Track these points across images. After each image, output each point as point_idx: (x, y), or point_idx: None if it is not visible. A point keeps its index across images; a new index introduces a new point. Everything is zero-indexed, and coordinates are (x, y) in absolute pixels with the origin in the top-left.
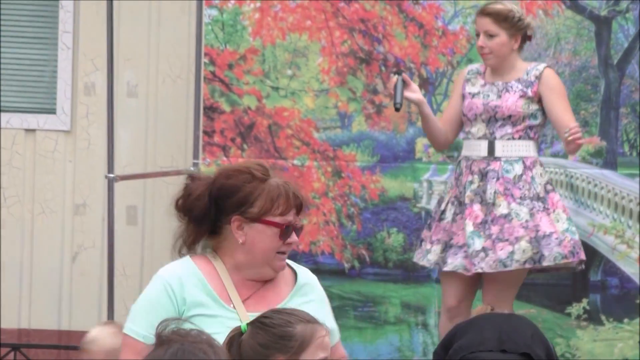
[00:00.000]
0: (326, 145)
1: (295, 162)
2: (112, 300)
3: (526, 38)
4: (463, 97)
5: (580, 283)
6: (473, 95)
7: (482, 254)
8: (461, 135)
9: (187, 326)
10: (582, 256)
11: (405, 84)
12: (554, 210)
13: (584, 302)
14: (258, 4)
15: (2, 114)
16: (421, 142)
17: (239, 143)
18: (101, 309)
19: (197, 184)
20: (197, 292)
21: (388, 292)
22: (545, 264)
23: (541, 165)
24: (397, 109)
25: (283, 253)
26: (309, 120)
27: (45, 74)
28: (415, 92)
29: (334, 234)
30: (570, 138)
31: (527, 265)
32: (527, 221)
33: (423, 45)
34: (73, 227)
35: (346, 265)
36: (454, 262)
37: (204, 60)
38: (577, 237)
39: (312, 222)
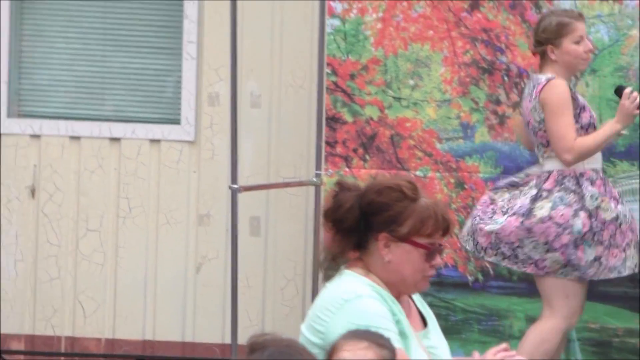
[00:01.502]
0: (449, 156)
1: (418, 173)
2: (236, 312)
3: None
4: (582, 109)
5: None
6: (584, 105)
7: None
8: None
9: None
10: None
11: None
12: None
13: None
14: (380, 14)
15: (127, 124)
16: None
17: (361, 154)
18: (225, 320)
19: (347, 196)
20: (392, 307)
21: (512, 305)
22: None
23: None
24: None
25: (429, 275)
26: (431, 130)
27: (170, 85)
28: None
29: (457, 246)
30: None
31: (637, 270)
32: (630, 223)
33: None
34: (197, 237)
35: (470, 278)
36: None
37: (326, 70)
38: None
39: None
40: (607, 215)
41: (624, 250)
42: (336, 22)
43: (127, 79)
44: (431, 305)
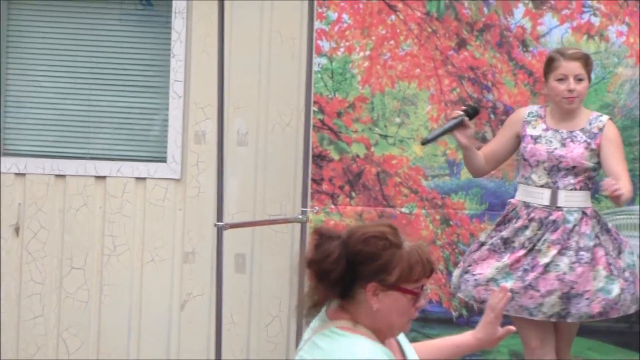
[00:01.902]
0: (434, 193)
1: (404, 210)
2: (220, 348)
3: None
4: (522, 138)
5: None
6: (535, 140)
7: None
8: (517, 179)
9: None
10: (613, 315)
11: (463, 127)
12: (595, 266)
13: None
14: (367, 52)
15: (113, 162)
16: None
17: (347, 191)
18: (209, 357)
19: (332, 246)
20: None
21: None
22: (569, 320)
23: (597, 215)
24: (422, 143)
25: (414, 317)
26: (417, 168)
27: (156, 123)
28: (468, 138)
29: (441, 282)
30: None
31: (552, 319)
32: (564, 273)
33: (532, 92)
34: (182, 275)
35: (454, 314)
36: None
37: (313, 108)
38: (611, 296)
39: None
40: (541, 260)
41: (542, 296)
42: (323, 61)
43: (114, 117)
44: (415, 341)
